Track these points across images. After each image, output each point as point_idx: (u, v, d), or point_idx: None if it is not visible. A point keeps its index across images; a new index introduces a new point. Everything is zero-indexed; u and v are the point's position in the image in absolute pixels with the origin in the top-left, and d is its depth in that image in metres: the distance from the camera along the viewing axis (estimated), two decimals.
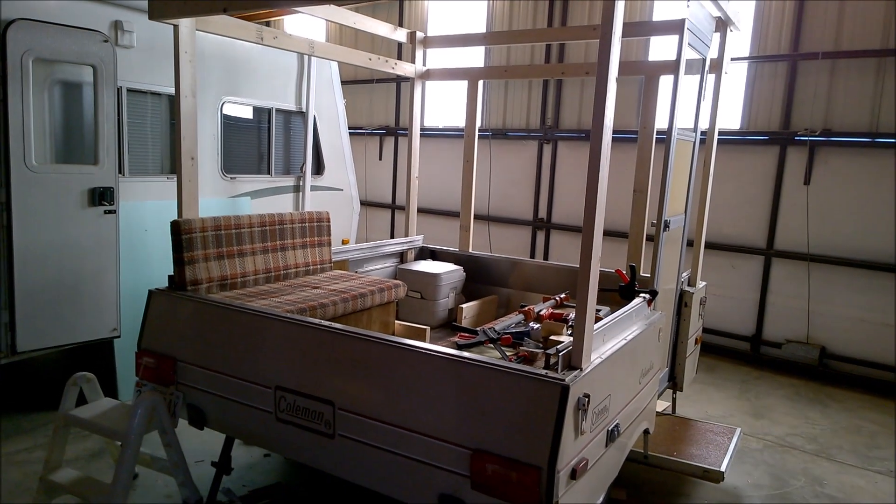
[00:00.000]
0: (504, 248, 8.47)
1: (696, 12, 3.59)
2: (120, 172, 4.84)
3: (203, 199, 5.50)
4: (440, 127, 9.23)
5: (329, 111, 6.77)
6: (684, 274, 4.37)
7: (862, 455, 4.74)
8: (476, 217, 8.43)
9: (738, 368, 6.65)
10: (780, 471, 4.41)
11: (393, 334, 4.31)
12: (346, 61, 4.91)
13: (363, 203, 9.55)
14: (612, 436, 2.75)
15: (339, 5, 4.55)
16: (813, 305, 6.45)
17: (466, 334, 3.31)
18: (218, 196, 5.66)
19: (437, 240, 8.49)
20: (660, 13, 7.20)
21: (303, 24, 10.14)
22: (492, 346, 3.06)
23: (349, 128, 9.75)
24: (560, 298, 3.63)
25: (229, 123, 5.76)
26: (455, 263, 5.38)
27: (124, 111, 4.88)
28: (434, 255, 5.67)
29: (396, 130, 9.68)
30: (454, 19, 9.07)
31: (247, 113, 5.99)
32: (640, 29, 4.90)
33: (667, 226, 3.64)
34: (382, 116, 9.91)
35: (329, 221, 4.55)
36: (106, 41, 4.44)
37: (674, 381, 4.35)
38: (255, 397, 3.11)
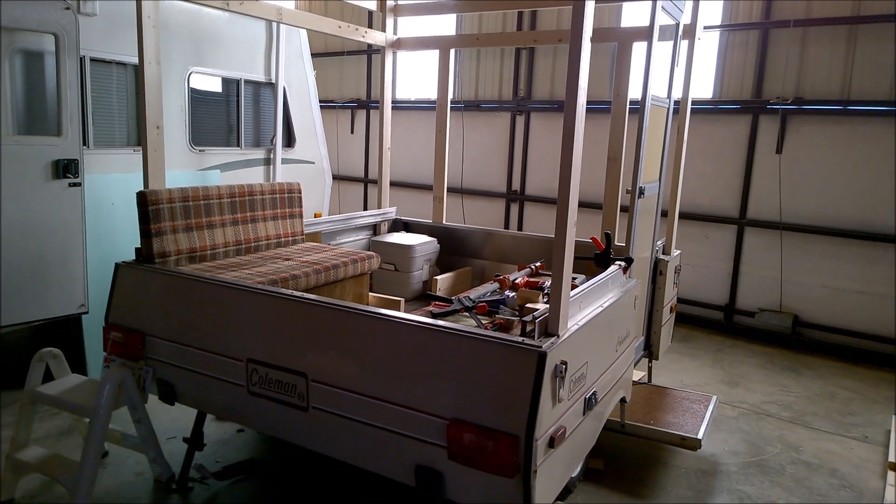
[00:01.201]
0: (478, 220, 8.44)
1: None
2: (84, 144, 4.68)
3: (171, 171, 5.37)
4: (412, 99, 9.11)
5: (299, 83, 6.62)
6: (659, 242, 4.39)
7: (837, 422, 4.85)
8: (449, 190, 8.35)
9: (712, 338, 6.75)
10: (757, 438, 4.49)
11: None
12: (315, 29, 4.78)
13: (335, 177, 9.42)
14: (589, 404, 2.75)
15: None
16: (786, 274, 6.56)
17: (441, 303, 3.29)
18: (186, 169, 5.52)
19: (410, 213, 8.45)
20: None
21: None
22: (467, 314, 3.05)
23: (320, 101, 9.61)
24: (535, 267, 3.61)
25: (197, 95, 5.60)
26: (429, 235, 5.33)
27: (88, 81, 4.70)
28: (407, 226, 5.62)
29: (368, 104, 9.54)
30: None
31: (215, 84, 5.82)
32: None
33: (641, 192, 3.63)
34: (353, 89, 9.74)
35: (300, 193, 4.46)
36: (67, 8, 4.25)
37: (649, 350, 4.38)
38: (227, 371, 3.05)
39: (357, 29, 5.05)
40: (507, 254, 5.18)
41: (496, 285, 3.19)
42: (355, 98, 9.70)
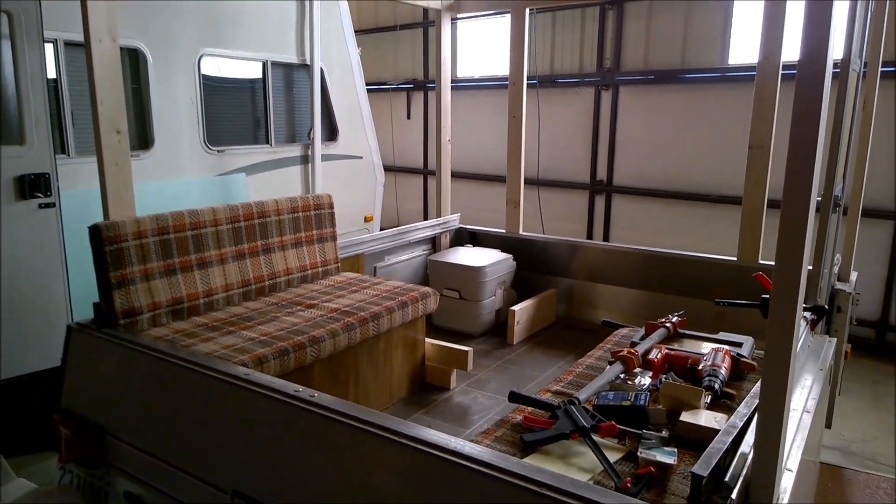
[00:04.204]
0: (556, 216, 7.18)
1: None
2: (63, 152, 3.75)
3: (182, 178, 4.44)
4: (475, 77, 7.87)
5: (341, 63, 5.52)
6: (836, 263, 3.07)
7: None
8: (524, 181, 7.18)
9: (862, 362, 5.29)
10: None
11: (423, 362, 3.15)
12: None
13: (392, 170, 8.34)
14: None
15: None
16: None
17: (535, 417, 2.00)
18: (202, 174, 4.53)
19: (476, 212, 7.26)
20: None
21: None
22: (583, 439, 1.79)
23: (370, 84, 8.48)
24: (672, 325, 2.39)
25: (212, 83, 4.59)
26: (501, 249, 4.15)
27: (63, 71, 3.74)
28: (475, 238, 4.45)
29: (425, 84, 8.35)
30: None
31: (235, 69, 4.80)
32: None
33: (837, 204, 2.34)
34: (409, 69, 8.57)
35: (332, 207, 3.37)
36: None
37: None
38: None
39: None
40: (600, 271, 3.96)
41: (618, 367, 2.00)
42: (411, 79, 8.54)
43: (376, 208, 6.04)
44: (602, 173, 6.94)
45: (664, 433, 1.71)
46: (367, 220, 5.92)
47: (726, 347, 2.13)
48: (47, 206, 3.50)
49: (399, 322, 2.90)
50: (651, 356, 2.11)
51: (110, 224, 2.48)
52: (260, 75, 4.92)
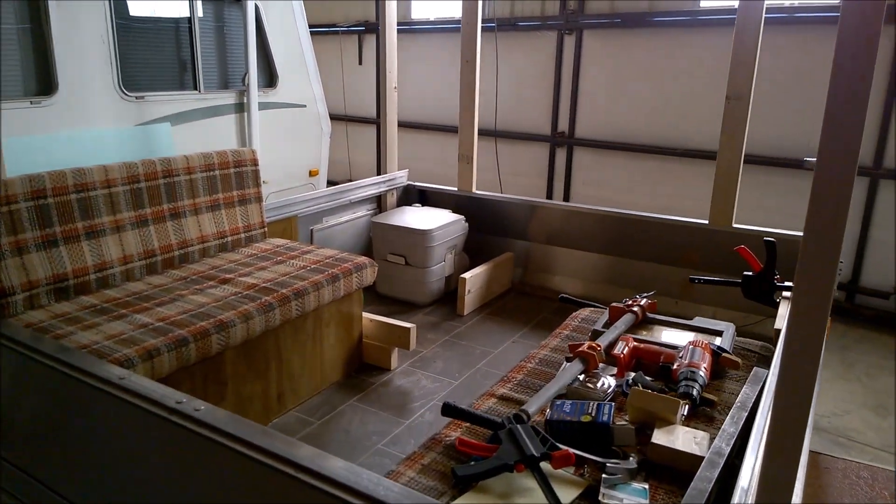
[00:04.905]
0: (515, 170, 6.83)
1: None
2: None
3: (93, 128, 3.93)
4: (431, 19, 7.34)
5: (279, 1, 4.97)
6: None
7: None
8: (481, 133, 6.76)
9: (833, 327, 5.15)
10: None
11: (360, 340, 2.81)
12: None
13: (343, 119, 7.84)
14: None
15: None
16: None
17: (471, 442, 1.52)
18: (119, 123, 4.02)
19: (434, 166, 6.83)
20: None
21: None
22: (530, 471, 1.42)
23: (318, 25, 7.88)
24: (640, 308, 2.05)
25: (127, 20, 4.03)
26: (453, 210, 3.80)
27: None
28: (424, 197, 4.08)
29: (379, 27, 7.77)
30: None
31: (154, 3, 4.23)
32: None
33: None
34: (360, 9, 7.96)
35: (256, 164, 2.95)
36: None
37: None
38: None
39: None
40: (561, 233, 3.65)
41: (577, 366, 1.67)
42: (363, 20, 7.93)
43: (322, 162, 5.58)
44: (564, 125, 6.57)
45: (632, 460, 1.40)
46: (311, 174, 5.47)
47: (704, 339, 1.83)
48: None
49: (329, 299, 2.54)
50: (616, 350, 1.80)
51: None
52: (186, 11, 4.36)
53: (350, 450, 2.30)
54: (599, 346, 1.78)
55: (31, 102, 3.56)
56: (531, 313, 3.46)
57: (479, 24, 3.63)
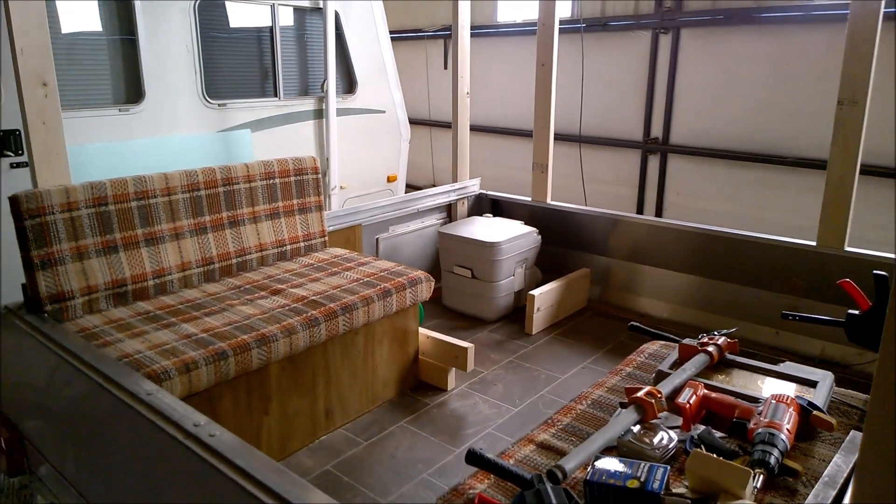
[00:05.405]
0: (601, 178, 6.52)
1: None
2: None
3: (177, 134, 4.05)
4: (518, 21, 7.15)
5: (359, 7, 4.97)
6: None
7: None
8: (564, 138, 6.50)
9: None
10: None
11: (416, 357, 2.69)
12: None
13: (427, 124, 7.80)
14: None
15: None
16: None
17: (492, 501, 1.37)
18: (201, 130, 4.13)
19: (513, 175, 6.59)
20: None
21: None
22: None
23: (404, 31, 7.88)
24: (718, 347, 1.76)
25: (211, 28, 4.14)
26: (526, 221, 3.61)
27: None
28: (497, 206, 3.92)
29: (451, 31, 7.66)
30: None
31: (237, 13, 4.33)
32: None
33: None
34: (447, 14, 7.89)
35: (317, 172, 2.90)
36: None
37: None
38: None
39: None
40: (647, 251, 3.38)
41: (631, 415, 1.45)
42: (449, 25, 7.87)
43: (400, 167, 5.54)
44: (657, 130, 6.20)
45: None
46: (390, 179, 5.44)
47: (791, 394, 1.54)
48: (19, 165, 3.18)
49: (380, 314, 2.44)
50: (682, 398, 1.55)
51: (31, 194, 2.09)
52: (267, 20, 4.44)
53: (393, 477, 2.17)
54: (660, 392, 1.54)
55: (120, 110, 3.71)
56: (606, 336, 3.21)
57: (557, 26, 3.43)
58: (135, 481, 1.57)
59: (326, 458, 2.28)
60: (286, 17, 4.53)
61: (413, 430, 2.43)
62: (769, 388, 1.71)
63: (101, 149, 3.62)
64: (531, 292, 3.21)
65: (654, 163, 6.29)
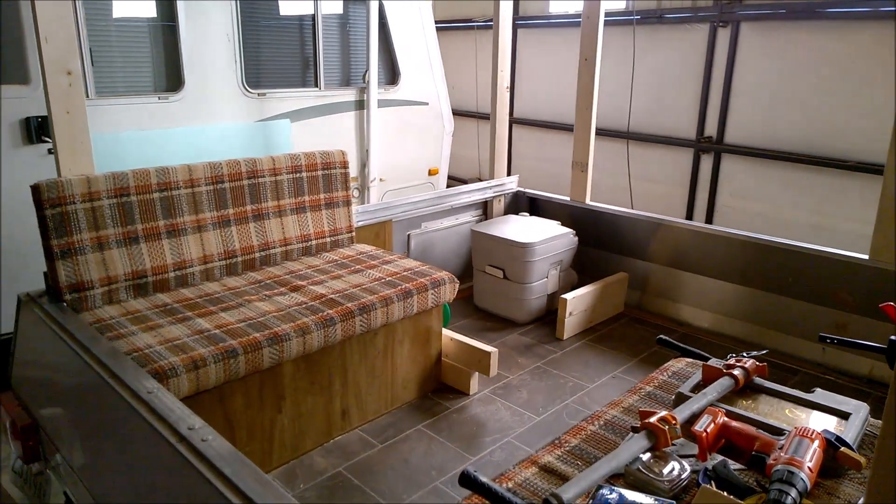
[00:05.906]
0: (650, 177, 6.27)
1: None
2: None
3: (216, 123, 4.07)
4: (570, 13, 6.94)
5: None
6: None
7: None
8: (611, 134, 6.29)
9: None
10: None
11: (439, 358, 2.61)
12: None
13: (474, 116, 7.67)
14: None
15: None
16: None
17: None
18: (240, 119, 4.14)
19: (561, 171, 6.41)
20: None
21: None
22: None
23: (453, 21, 7.78)
24: (745, 371, 1.63)
25: (252, 16, 4.13)
26: (564, 222, 3.48)
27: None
28: (535, 205, 3.80)
29: (516, 21, 7.51)
30: None
31: (279, 2, 4.31)
32: None
33: None
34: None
35: (346, 166, 2.84)
36: None
37: None
38: None
39: None
40: (690, 257, 3.21)
41: (642, 441, 1.34)
42: None
43: (443, 160, 5.46)
44: (711, 128, 5.92)
45: None
46: (431, 173, 5.37)
47: (818, 428, 1.39)
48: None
49: (399, 315, 2.36)
50: (699, 426, 1.42)
51: (53, 183, 2.10)
52: (310, 9, 4.40)
53: (405, 483, 2.10)
54: (675, 418, 1.41)
55: (160, 98, 3.74)
56: (641, 344, 3.06)
57: (602, 19, 3.27)
58: (129, 479, 1.54)
59: (339, 459, 2.23)
60: (329, 6, 4.49)
61: (430, 434, 2.36)
62: (796, 418, 1.56)
63: (140, 136, 3.66)
64: (563, 296, 3.09)
65: (706, 163, 6.01)
